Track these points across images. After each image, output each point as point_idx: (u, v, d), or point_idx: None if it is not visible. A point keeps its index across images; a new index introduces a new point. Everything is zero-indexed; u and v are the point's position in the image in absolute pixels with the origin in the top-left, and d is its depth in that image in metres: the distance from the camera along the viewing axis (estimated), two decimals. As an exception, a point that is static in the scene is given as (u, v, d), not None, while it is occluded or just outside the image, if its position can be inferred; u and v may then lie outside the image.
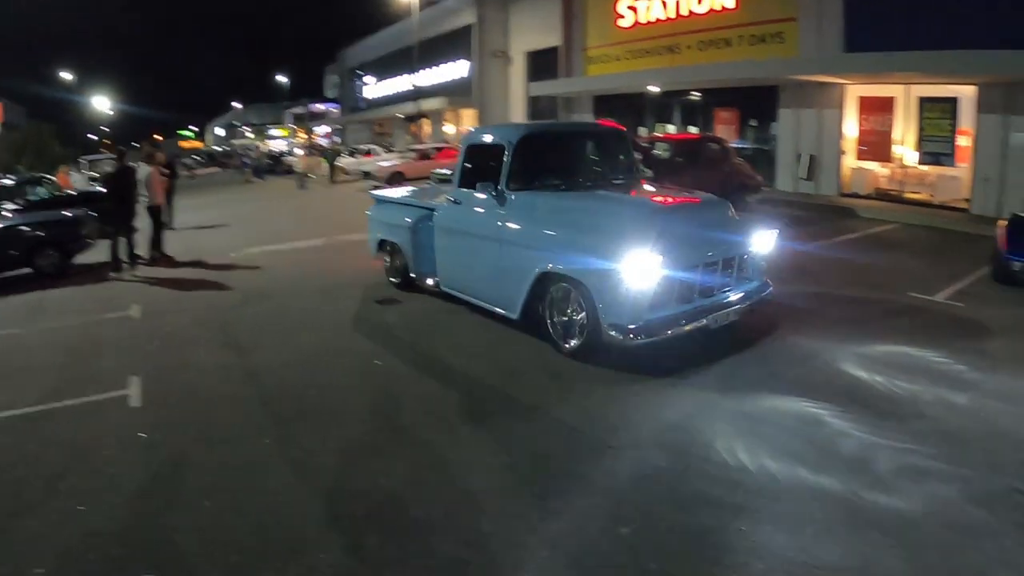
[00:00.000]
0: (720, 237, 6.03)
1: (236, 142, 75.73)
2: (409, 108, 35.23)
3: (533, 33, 27.79)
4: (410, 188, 10.87)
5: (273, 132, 75.21)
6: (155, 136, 64.79)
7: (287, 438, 4.77)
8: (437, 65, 34.62)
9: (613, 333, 5.38)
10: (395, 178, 23.45)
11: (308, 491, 4.06)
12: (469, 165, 7.17)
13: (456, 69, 33.33)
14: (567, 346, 5.94)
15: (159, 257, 11.99)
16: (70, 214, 12.09)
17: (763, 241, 6.24)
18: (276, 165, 37.29)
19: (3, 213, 12.85)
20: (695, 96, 20.67)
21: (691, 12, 19.66)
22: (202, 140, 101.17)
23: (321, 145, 44.56)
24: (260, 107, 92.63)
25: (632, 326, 5.34)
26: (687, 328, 5.52)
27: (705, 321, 5.62)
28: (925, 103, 14.70)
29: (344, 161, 30.93)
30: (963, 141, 14.04)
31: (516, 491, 3.95)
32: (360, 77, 48.99)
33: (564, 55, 25.41)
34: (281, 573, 3.32)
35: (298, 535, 3.61)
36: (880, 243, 11.38)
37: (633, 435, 4.52)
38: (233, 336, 7.26)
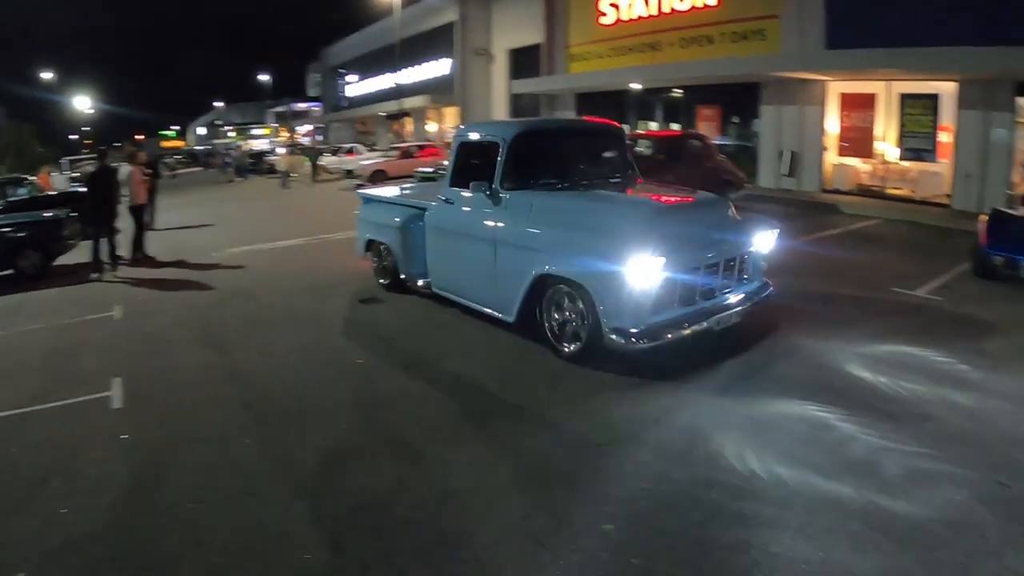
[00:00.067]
0: (722, 237, 5.90)
1: (217, 141, 75.15)
2: (391, 106, 35.08)
3: (515, 31, 27.72)
4: (405, 186, 10.77)
5: (255, 131, 74.72)
6: (136, 136, 63.90)
7: (269, 438, 4.73)
8: (419, 63, 34.45)
9: (615, 337, 5.22)
10: (377, 176, 23.44)
11: (291, 491, 4.02)
12: (462, 163, 6.94)
13: (438, 67, 33.17)
14: (566, 350, 5.78)
15: (141, 257, 11.89)
16: (51, 215, 11.92)
17: (763, 241, 6.13)
18: (258, 164, 37.03)
19: (-18, 214, 12.64)
20: (677, 93, 20.71)
21: (673, 10, 19.70)
22: (184, 140, 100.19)
23: (303, 144, 44.29)
24: (242, 106, 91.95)
25: (635, 330, 5.18)
26: (689, 331, 5.39)
27: (707, 324, 5.49)
28: (906, 99, 14.83)
29: (326, 160, 30.83)
30: (944, 137, 14.16)
31: (506, 493, 3.90)
32: (342, 76, 48.62)
33: (546, 53, 25.38)
34: (264, 573, 3.29)
35: (281, 535, 3.58)
36: (862, 239, 11.46)
37: (639, 440, 4.39)
38: (215, 336, 7.19)
